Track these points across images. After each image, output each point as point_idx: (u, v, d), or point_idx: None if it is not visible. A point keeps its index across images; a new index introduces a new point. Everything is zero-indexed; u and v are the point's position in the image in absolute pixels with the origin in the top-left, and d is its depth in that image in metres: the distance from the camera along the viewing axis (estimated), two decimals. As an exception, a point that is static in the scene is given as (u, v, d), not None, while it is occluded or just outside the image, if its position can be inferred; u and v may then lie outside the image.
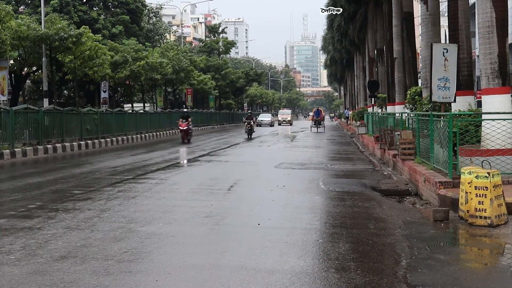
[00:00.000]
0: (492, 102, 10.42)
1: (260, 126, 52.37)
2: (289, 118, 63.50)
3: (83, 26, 27.40)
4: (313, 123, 43.82)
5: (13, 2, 37.86)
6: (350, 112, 58.56)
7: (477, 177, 7.49)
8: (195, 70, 47.92)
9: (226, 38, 69.14)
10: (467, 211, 7.64)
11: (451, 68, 11.41)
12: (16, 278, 5.21)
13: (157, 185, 11.59)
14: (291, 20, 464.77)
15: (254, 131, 32.19)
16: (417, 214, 8.74)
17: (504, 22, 10.56)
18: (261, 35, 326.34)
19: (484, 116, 10.35)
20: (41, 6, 27.40)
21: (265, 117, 59.88)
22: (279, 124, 60.65)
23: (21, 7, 39.47)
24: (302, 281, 5.22)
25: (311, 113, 61.76)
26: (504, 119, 9.76)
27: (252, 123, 31.53)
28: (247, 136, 31.15)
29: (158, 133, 33.87)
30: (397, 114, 18.81)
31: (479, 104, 17.83)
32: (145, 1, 47.01)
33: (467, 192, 7.64)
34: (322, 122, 43.86)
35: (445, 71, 11.41)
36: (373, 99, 31.33)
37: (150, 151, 21.59)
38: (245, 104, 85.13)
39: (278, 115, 66.13)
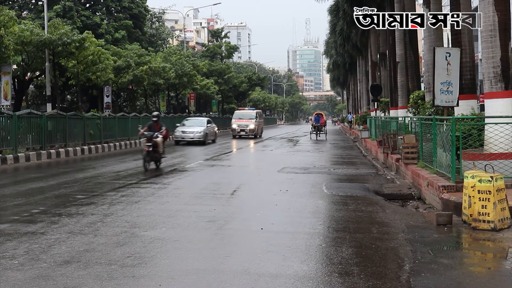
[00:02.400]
0: (495, 106, 10.43)
1: (186, 143, 28.97)
2: (252, 126, 37.21)
3: (86, 31, 27.48)
4: (312, 129, 37.32)
5: (16, 7, 38.02)
6: (353, 116, 58.50)
7: (480, 181, 7.49)
8: (198, 74, 47.98)
9: (229, 42, 69.25)
10: (470, 215, 7.64)
11: (454, 72, 11.42)
12: (19, 283, 5.21)
13: (160, 190, 11.60)
14: (293, 25, 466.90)
15: (165, 156, 16.79)
16: (420, 218, 8.72)
17: (507, 26, 10.58)
18: (264, 40, 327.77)
19: (487, 120, 10.33)
20: (44, 11, 27.51)
21: (192, 127, 30.25)
22: (235, 137, 37.12)
23: (24, 12, 39.62)
24: (305, 285, 5.22)
25: (311, 117, 59.55)
26: (507, 123, 9.74)
27: (158, 139, 15.68)
28: (144, 169, 15.30)
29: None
30: (400, 118, 18.80)
31: (482, 108, 17.81)
32: (148, 6, 47.13)
33: (470, 196, 7.63)
34: (323, 128, 37.15)
35: (448, 75, 11.42)
36: (376, 103, 31.31)
37: (153, 156, 21.51)
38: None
39: (233, 120, 38.91)
